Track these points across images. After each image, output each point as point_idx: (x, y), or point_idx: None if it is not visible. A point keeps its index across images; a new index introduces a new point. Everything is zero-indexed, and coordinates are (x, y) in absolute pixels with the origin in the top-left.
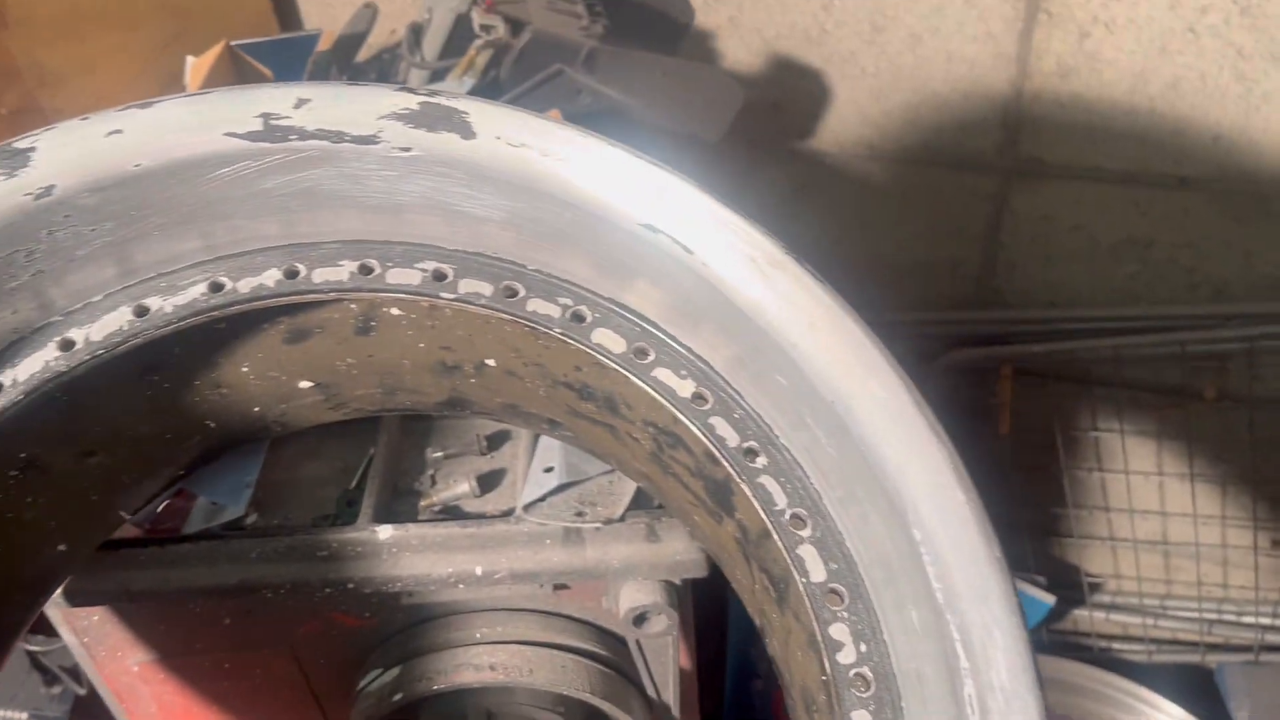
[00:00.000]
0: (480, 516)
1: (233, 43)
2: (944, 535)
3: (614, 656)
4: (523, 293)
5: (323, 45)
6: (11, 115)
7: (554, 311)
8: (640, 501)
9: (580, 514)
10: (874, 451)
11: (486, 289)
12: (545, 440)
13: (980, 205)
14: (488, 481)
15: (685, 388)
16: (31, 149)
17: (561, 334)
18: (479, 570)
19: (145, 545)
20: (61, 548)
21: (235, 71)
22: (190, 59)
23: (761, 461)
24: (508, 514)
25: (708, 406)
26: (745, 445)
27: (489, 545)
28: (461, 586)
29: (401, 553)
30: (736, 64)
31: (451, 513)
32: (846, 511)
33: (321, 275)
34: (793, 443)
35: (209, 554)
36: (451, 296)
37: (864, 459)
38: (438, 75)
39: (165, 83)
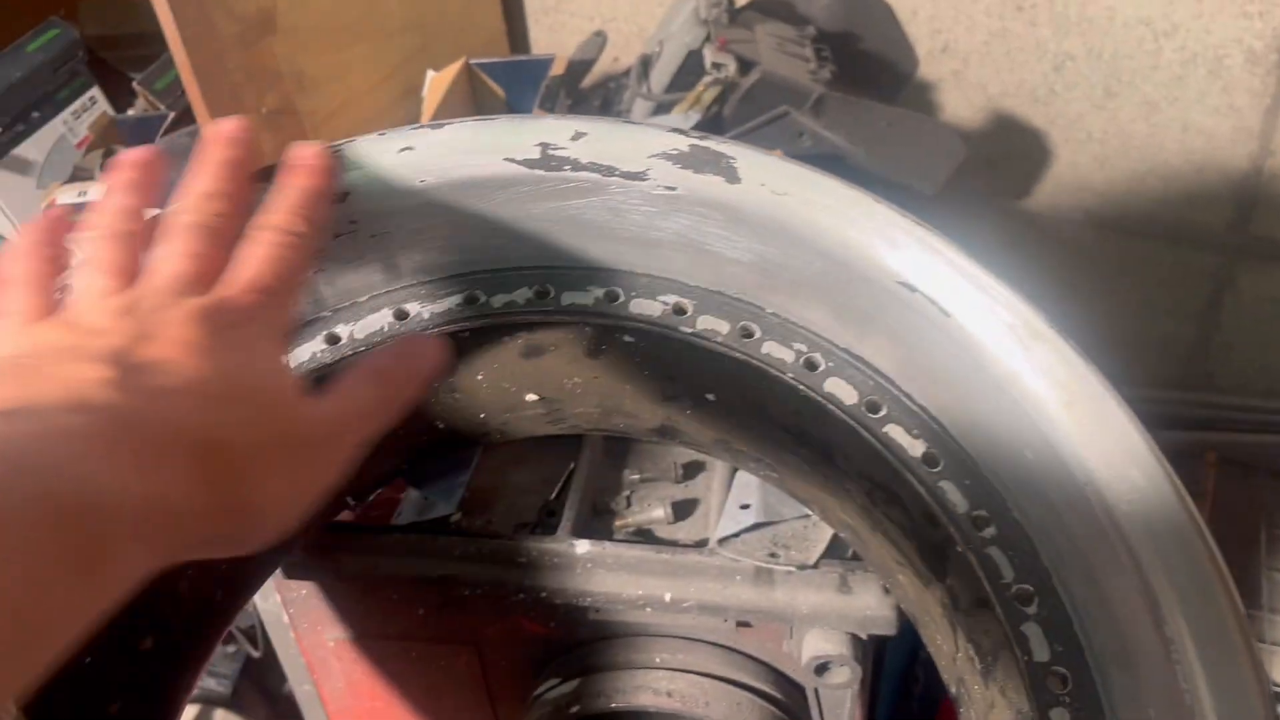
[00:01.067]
0: (673, 544)
1: (471, 61)
2: (1199, 646)
3: (787, 701)
4: (758, 334)
5: (556, 70)
6: (271, 115)
7: (788, 356)
8: (834, 551)
9: (773, 555)
10: (1126, 541)
11: (724, 327)
12: (742, 476)
13: (1200, 283)
14: (681, 509)
15: (916, 447)
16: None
17: (793, 379)
18: (668, 596)
19: (359, 531)
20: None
21: (470, 88)
22: (430, 73)
23: (990, 532)
24: (700, 545)
25: (938, 469)
26: (975, 513)
27: (680, 573)
28: (649, 610)
29: (596, 569)
30: (955, 117)
31: (645, 536)
32: (1083, 594)
33: (569, 298)
34: (1029, 517)
35: (417, 546)
36: (689, 331)
37: (1113, 547)
38: (663, 107)
39: (402, 93)
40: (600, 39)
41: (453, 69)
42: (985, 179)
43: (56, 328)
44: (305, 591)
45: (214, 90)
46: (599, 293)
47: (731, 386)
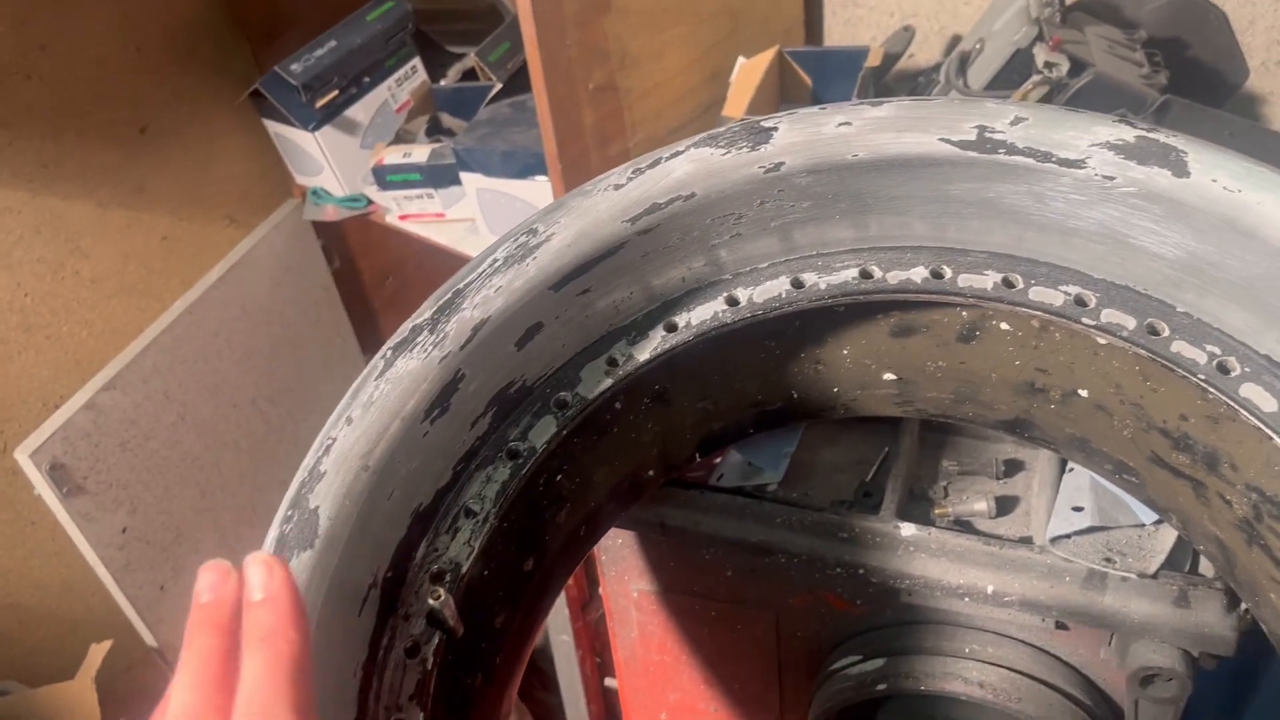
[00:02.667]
0: (996, 537)
1: (784, 50)
2: None
3: (1097, 709)
4: (1167, 332)
5: (871, 61)
6: (596, 91)
7: (1199, 356)
8: (1171, 562)
9: (1109, 560)
10: None
11: (1130, 322)
12: (1072, 478)
13: None
14: (1001, 505)
15: None
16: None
17: (1202, 380)
18: (990, 588)
19: (688, 487)
20: (650, 473)
21: (779, 75)
22: (741, 58)
23: None
24: (1024, 542)
25: None
26: None
27: (1006, 567)
28: (966, 600)
29: (918, 553)
30: None
31: (964, 527)
32: None
33: (966, 281)
34: None
35: (741, 509)
36: (1092, 323)
37: None
38: None
39: (709, 75)
40: (909, 33)
41: (766, 56)
42: None
43: None
44: (621, 540)
45: (552, 64)
46: (997, 278)
47: (1112, 383)
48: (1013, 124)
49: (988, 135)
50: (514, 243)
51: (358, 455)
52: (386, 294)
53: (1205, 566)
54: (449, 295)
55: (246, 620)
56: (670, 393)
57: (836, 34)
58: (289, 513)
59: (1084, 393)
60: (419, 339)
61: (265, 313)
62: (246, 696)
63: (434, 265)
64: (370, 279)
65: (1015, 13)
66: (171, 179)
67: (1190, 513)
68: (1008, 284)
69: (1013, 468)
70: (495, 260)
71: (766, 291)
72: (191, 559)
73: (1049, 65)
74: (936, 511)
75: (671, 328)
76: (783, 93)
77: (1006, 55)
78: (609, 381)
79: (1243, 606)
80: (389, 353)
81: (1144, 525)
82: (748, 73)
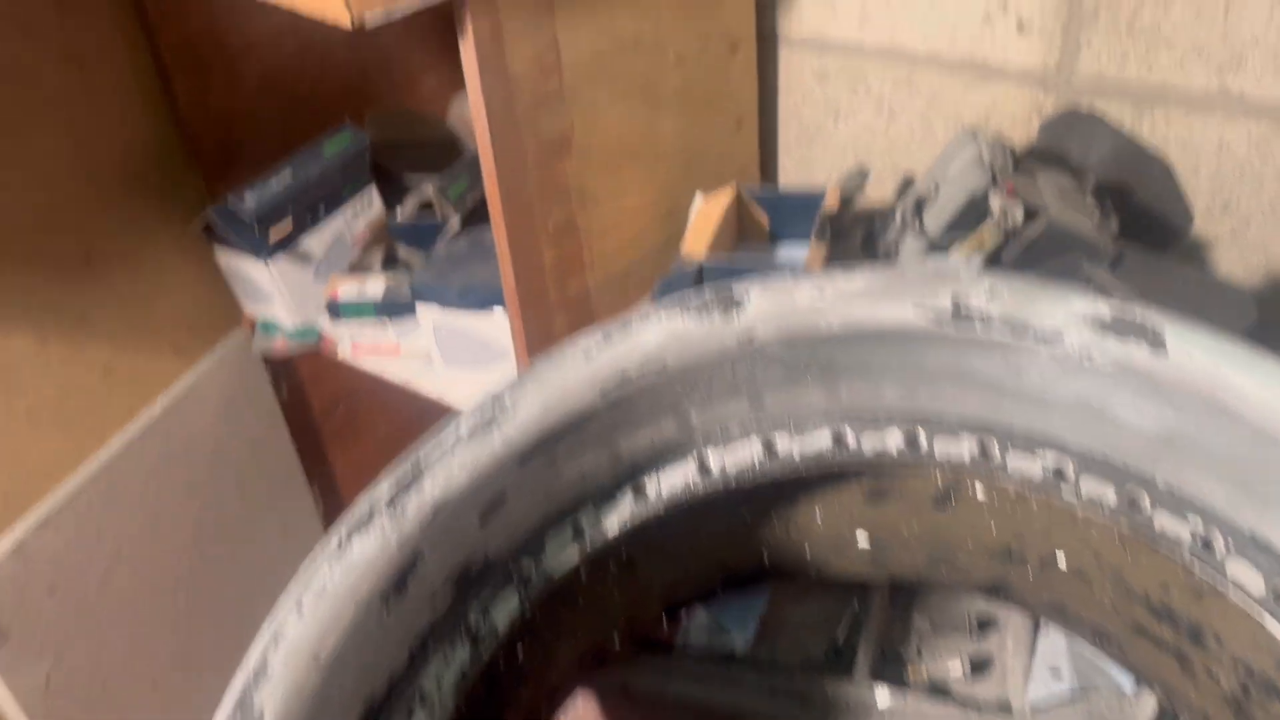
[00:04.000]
0: (974, 703)
1: (744, 189)
2: None
3: None
4: (1148, 505)
5: (829, 203)
6: (555, 230)
7: (1182, 531)
8: None
9: None
10: None
11: (1110, 494)
12: (1048, 638)
13: None
14: (975, 665)
15: None
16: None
17: (1187, 556)
18: None
19: (652, 650)
20: (615, 644)
21: (736, 214)
22: (699, 196)
23: None
24: (1004, 707)
25: None
26: None
27: None
28: None
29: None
30: (1227, 276)
31: (938, 689)
32: None
33: (942, 448)
34: None
35: (708, 674)
36: (1072, 498)
37: None
38: (937, 248)
39: (666, 213)
40: (862, 175)
41: (725, 195)
42: (1260, 340)
43: None
44: (581, 703)
45: (512, 203)
46: (973, 444)
47: (1091, 551)
48: (989, 296)
49: (963, 309)
50: (479, 415)
51: (308, 649)
52: (335, 424)
53: None
54: (409, 469)
55: None
56: (638, 561)
57: (791, 172)
58: (234, 714)
59: (1062, 560)
60: (377, 519)
61: (209, 447)
62: None
63: (386, 395)
64: (319, 409)
65: (969, 160)
66: (116, 308)
67: (1176, 686)
68: (984, 453)
69: (986, 624)
70: (460, 435)
71: (738, 457)
72: (116, 715)
73: (1004, 212)
74: (910, 672)
75: (640, 491)
76: (741, 231)
77: (961, 201)
78: (575, 551)
79: None
80: (345, 533)
81: (1125, 694)
82: (709, 212)
